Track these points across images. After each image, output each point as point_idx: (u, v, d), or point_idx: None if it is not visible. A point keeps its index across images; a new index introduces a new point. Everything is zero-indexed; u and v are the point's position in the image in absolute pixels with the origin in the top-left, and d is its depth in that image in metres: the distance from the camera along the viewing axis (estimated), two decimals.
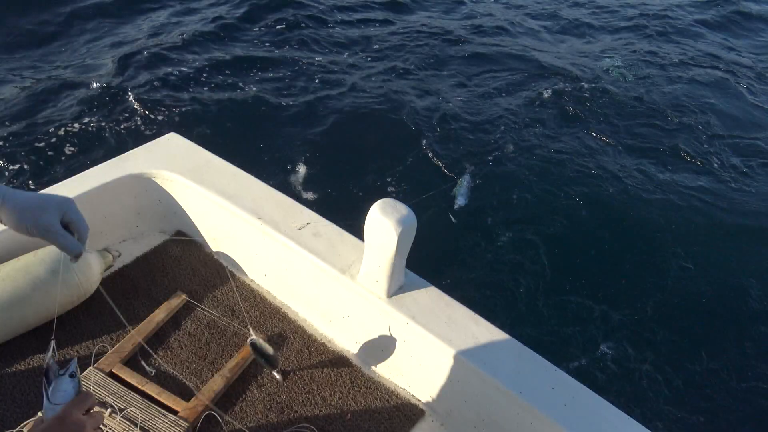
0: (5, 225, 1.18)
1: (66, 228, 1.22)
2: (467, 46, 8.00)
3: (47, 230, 1.18)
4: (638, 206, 5.45)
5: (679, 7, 10.53)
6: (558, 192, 5.47)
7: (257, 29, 7.71)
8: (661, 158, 6.21)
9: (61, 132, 5.19)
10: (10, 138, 5.01)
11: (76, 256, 1.23)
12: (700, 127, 6.78)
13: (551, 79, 7.38)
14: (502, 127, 6.27)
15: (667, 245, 5.04)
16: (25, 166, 4.73)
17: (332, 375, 2.09)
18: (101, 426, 1.14)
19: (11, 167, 4.69)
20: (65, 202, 1.22)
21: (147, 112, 5.68)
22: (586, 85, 7.28)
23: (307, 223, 2.19)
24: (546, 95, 7.00)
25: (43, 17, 7.01)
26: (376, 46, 7.66)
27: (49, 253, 2.05)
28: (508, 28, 8.78)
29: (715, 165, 6.23)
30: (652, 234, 5.18)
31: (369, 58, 7.37)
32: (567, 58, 8.09)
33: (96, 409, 1.13)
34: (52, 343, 1.18)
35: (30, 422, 1.77)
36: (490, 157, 5.81)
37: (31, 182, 4.55)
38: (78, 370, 1.17)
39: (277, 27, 7.78)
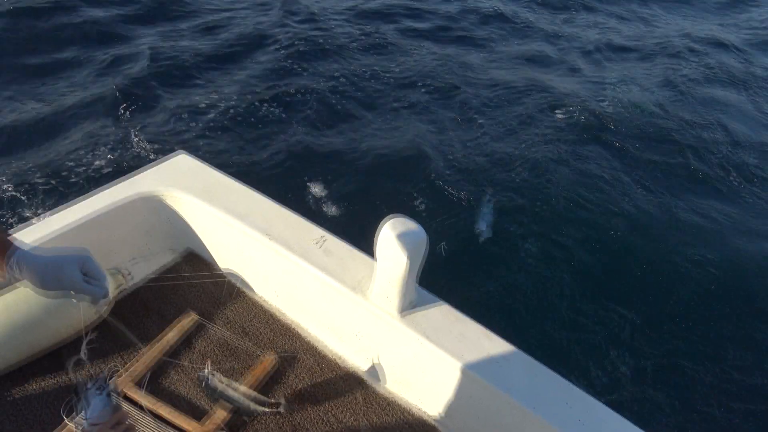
0: (26, 284, 1.25)
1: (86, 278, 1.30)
2: (483, 72, 7.98)
3: (72, 285, 1.27)
4: (657, 231, 5.44)
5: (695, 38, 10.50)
6: (576, 215, 5.45)
7: (267, 47, 7.76)
8: (682, 181, 6.19)
9: (71, 154, 5.22)
10: (20, 161, 5.05)
11: (100, 301, 1.32)
12: (721, 149, 6.77)
13: (568, 105, 7.36)
14: (520, 153, 6.25)
15: (686, 271, 5.01)
16: (36, 189, 4.76)
17: (345, 393, 2.08)
18: None
19: (22, 190, 4.72)
20: (82, 256, 1.31)
21: (155, 132, 5.71)
22: (605, 110, 7.27)
23: (323, 239, 2.19)
24: (563, 119, 6.98)
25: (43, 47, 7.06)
26: (391, 71, 7.67)
27: None
28: (524, 53, 8.78)
29: (734, 183, 6.21)
30: (670, 258, 5.15)
31: (385, 80, 7.37)
32: (584, 84, 8.09)
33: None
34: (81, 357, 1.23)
35: None
36: (508, 181, 5.80)
37: (43, 205, 4.57)
38: (110, 388, 1.20)
39: (288, 45, 7.83)
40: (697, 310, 4.60)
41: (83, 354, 1.29)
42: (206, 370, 1.91)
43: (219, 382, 1.91)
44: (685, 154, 6.60)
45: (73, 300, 1.31)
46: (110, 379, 1.21)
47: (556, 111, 7.18)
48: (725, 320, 4.56)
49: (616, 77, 8.41)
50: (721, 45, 10.19)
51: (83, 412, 1.16)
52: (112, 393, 1.18)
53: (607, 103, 7.53)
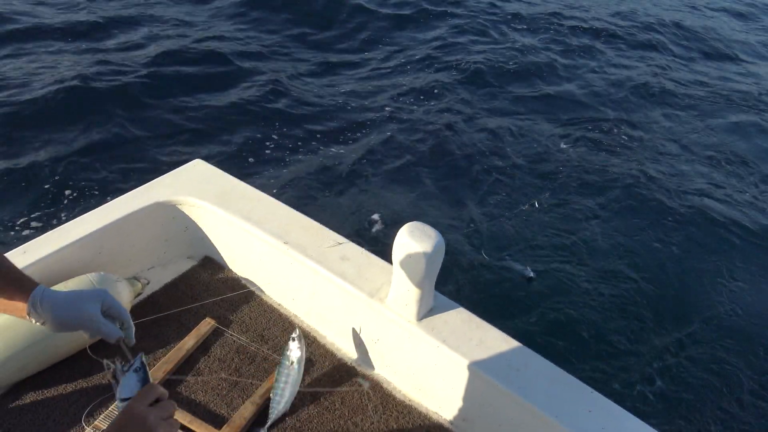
0: (41, 324, 1.24)
1: (106, 315, 1.29)
2: (524, 86, 7.88)
3: (91, 321, 1.25)
4: (684, 241, 5.37)
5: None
6: (604, 224, 5.40)
7: (282, 49, 7.79)
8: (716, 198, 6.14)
9: (88, 161, 5.27)
10: (38, 169, 5.10)
11: (117, 341, 1.29)
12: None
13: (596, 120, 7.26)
14: (548, 167, 6.20)
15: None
16: (55, 199, 4.80)
17: (363, 399, 2.07)
18: None
19: (40, 198, 4.77)
20: (102, 293, 1.30)
21: (171, 139, 5.75)
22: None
23: (339, 243, 2.19)
24: (592, 135, 6.92)
25: None
26: (422, 79, 7.64)
27: (78, 284, 2.07)
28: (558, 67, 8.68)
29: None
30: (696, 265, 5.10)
31: (415, 90, 7.34)
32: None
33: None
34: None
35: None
36: (535, 192, 5.76)
37: (61, 214, 4.62)
38: (144, 364, 1.20)
39: (308, 48, 7.85)
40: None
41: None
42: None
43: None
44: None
45: (85, 336, 1.30)
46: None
47: (587, 123, 7.07)
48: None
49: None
50: None
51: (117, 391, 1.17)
52: (140, 368, 1.18)
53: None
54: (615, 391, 3.80)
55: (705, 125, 7.53)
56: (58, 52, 6.94)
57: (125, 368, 1.18)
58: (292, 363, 1.99)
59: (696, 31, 10.77)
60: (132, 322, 1.33)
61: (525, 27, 9.84)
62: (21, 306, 1.21)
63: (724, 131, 7.45)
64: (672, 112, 7.73)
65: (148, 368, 1.21)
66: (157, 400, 1.07)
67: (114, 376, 1.19)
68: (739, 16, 12.73)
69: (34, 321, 1.22)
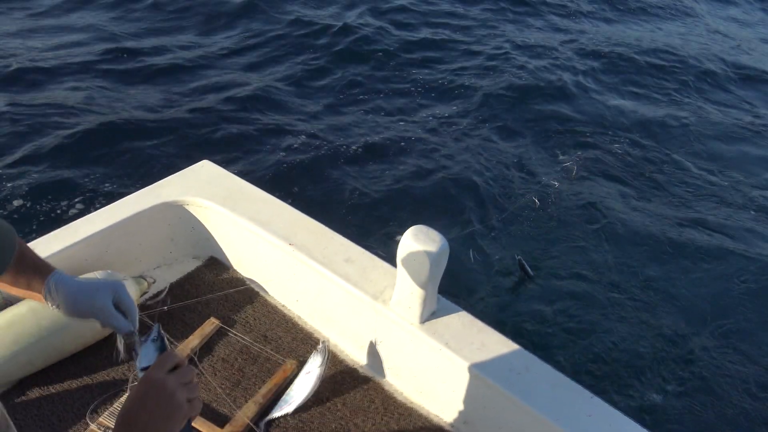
0: (56, 308, 1.26)
1: (116, 308, 1.31)
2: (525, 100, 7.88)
3: (102, 311, 1.27)
4: (692, 244, 5.37)
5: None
6: (607, 227, 5.42)
7: (293, 60, 7.83)
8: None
9: (96, 161, 5.32)
10: (47, 169, 5.15)
11: (127, 334, 1.31)
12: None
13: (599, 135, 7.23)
14: (552, 174, 6.24)
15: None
16: (62, 198, 4.85)
17: (365, 401, 2.09)
18: None
19: (47, 198, 4.82)
20: (117, 285, 1.31)
21: (180, 140, 5.79)
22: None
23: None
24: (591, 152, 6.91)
25: None
26: (424, 86, 7.65)
27: None
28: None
29: None
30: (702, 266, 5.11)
31: (419, 98, 7.36)
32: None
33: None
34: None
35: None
36: (536, 197, 5.78)
37: (68, 212, 4.66)
38: (162, 334, 1.21)
39: (311, 58, 7.89)
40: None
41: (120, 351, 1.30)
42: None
43: None
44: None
45: (97, 326, 1.32)
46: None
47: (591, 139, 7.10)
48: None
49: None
50: None
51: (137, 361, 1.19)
52: (157, 338, 1.19)
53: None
54: (616, 396, 3.81)
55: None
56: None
57: (143, 339, 1.20)
58: (309, 372, 2.02)
59: None
60: (137, 322, 1.35)
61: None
62: (40, 289, 1.25)
63: None
64: None
65: (165, 338, 1.23)
66: (177, 367, 1.06)
67: (132, 349, 1.21)
68: None
69: (50, 305, 1.25)
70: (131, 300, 1.33)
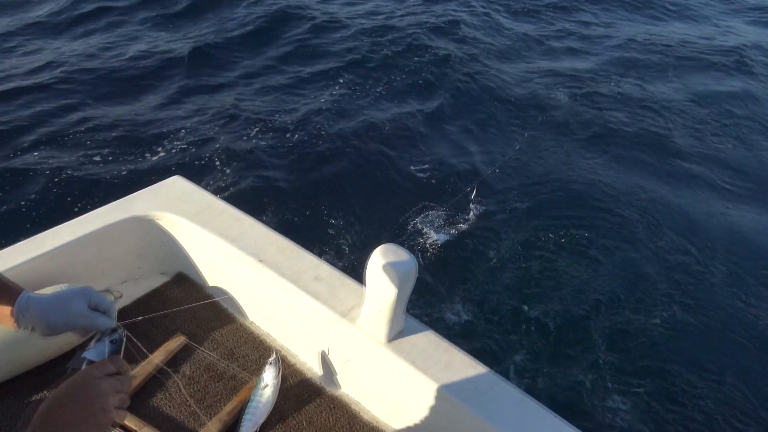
0: (30, 331, 1.24)
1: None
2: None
3: (82, 316, 1.25)
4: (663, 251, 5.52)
5: None
6: (571, 239, 5.54)
7: (260, 69, 7.87)
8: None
9: (65, 174, 5.25)
10: (18, 178, 5.07)
11: (110, 330, 1.30)
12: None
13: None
14: (515, 173, 6.36)
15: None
16: (32, 208, 4.77)
17: (331, 419, 2.08)
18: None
19: (18, 209, 4.74)
20: (88, 290, 1.31)
21: (152, 155, 5.75)
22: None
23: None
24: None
25: None
26: (384, 83, 7.78)
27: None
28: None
29: None
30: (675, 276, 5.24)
31: (379, 94, 7.49)
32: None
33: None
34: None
35: None
36: (502, 203, 5.89)
37: (38, 224, 4.57)
38: (123, 339, 1.22)
39: (279, 62, 7.94)
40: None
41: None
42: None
43: None
44: None
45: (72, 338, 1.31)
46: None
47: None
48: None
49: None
50: None
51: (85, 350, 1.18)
52: (116, 342, 1.19)
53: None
54: (582, 412, 3.86)
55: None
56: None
57: (104, 335, 1.20)
58: (266, 386, 2.01)
59: None
60: (115, 314, 1.34)
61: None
62: (7, 311, 1.21)
63: None
64: None
65: (124, 346, 1.23)
66: (118, 374, 1.08)
67: (91, 339, 1.21)
68: None
69: (22, 328, 1.22)
70: (107, 299, 1.32)
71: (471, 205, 5.71)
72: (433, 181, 6.07)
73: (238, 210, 2.49)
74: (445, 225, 5.44)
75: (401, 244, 1.89)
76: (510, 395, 1.88)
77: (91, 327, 1.27)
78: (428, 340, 2.02)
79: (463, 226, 5.46)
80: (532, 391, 1.89)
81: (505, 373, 1.95)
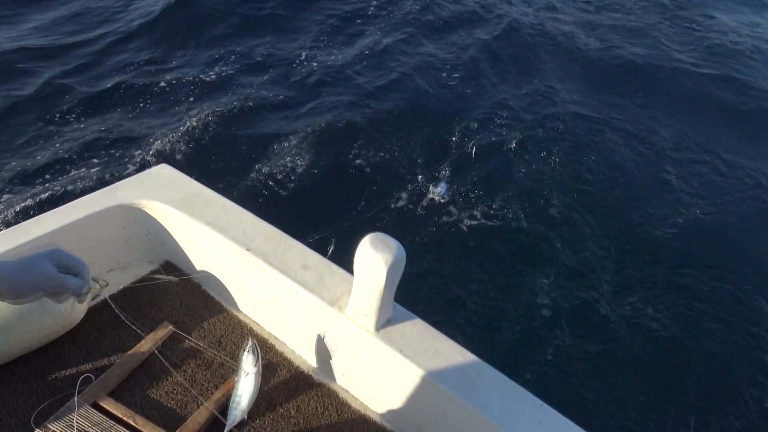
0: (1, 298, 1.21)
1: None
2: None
3: (48, 277, 1.23)
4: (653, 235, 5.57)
5: None
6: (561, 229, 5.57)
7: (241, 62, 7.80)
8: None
9: (53, 161, 5.19)
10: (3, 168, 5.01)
11: (85, 293, 1.30)
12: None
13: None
14: (510, 165, 6.38)
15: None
16: (20, 196, 4.71)
17: (319, 408, 2.09)
18: None
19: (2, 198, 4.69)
20: (53, 251, 1.27)
21: (138, 143, 5.69)
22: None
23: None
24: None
25: None
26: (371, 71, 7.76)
27: None
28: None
29: None
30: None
31: (372, 75, 7.47)
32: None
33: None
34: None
35: None
36: (491, 193, 5.90)
37: (26, 212, 4.53)
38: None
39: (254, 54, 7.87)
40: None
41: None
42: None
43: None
44: None
45: (56, 303, 1.28)
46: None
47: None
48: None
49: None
50: None
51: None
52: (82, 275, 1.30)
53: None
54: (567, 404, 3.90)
55: None
56: None
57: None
58: (248, 374, 1.99)
59: None
60: (89, 276, 1.34)
61: None
62: None
63: None
64: None
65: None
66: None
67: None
68: None
69: None
70: (75, 258, 1.29)
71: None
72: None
73: (226, 198, 2.47)
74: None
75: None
76: (498, 383, 1.89)
77: (61, 288, 1.25)
78: (417, 328, 2.02)
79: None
80: (519, 379, 1.90)
81: (493, 361, 1.95)
